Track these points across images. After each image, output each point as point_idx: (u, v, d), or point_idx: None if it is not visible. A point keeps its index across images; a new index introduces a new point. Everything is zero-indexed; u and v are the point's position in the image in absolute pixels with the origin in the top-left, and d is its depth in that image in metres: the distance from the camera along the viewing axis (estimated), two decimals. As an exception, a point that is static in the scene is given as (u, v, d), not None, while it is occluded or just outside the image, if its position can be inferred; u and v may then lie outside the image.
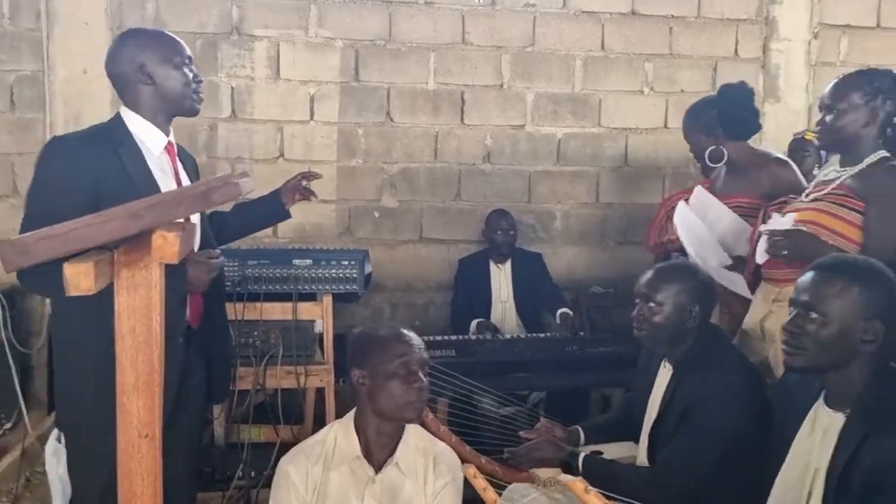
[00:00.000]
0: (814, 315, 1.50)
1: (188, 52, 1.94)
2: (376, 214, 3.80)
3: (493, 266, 3.57)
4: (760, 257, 2.06)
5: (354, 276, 2.74)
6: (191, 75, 1.91)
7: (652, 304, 1.93)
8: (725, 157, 2.61)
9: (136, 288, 1.16)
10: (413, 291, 3.85)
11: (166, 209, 1.04)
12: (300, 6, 3.66)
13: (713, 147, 2.63)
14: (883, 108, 1.99)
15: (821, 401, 1.60)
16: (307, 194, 2.35)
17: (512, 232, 3.55)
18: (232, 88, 3.66)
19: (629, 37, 3.96)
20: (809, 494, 1.56)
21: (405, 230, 3.83)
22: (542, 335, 3.28)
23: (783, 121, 4.01)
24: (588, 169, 4.01)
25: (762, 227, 2.07)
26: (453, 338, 3.15)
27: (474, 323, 3.36)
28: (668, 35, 4.00)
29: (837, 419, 1.54)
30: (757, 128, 2.74)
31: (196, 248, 1.91)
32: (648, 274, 1.99)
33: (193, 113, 1.96)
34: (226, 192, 1.06)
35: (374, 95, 3.77)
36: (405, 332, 1.67)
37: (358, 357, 1.67)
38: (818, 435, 1.58)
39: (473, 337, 3.23)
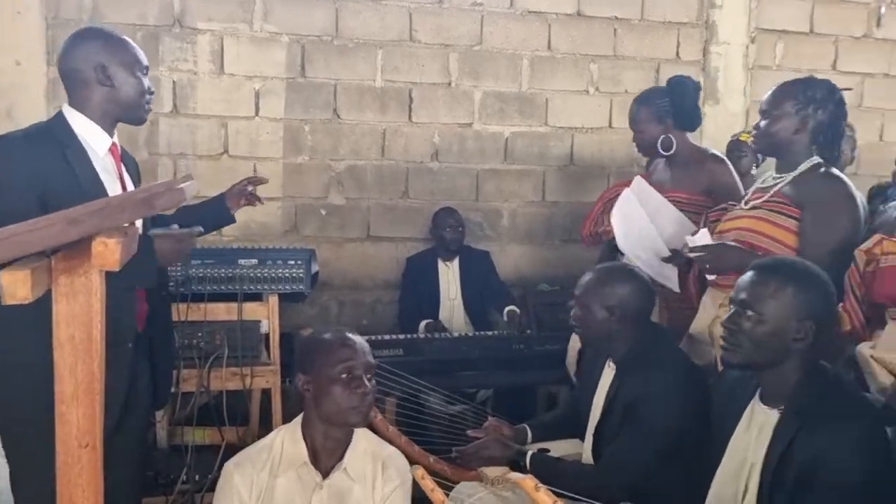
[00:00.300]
0: (750, 313, 1.56)
1: (147, 62, 1.95)
2: (323, 212, 3.77)
3: (440, 264, 3.58)
4: (672, 284, 2.15)
5: (301, 275, 2.72)
6: (146, 85, 1.91)
7: (580, 308, 2.00)
8: (675, 147, 2.67)
9: (76, 295, 1.13)
10: (361, 289, 3.83)
11: (108, 215, 1.01)
12: (244, 0, 3.59)
13: (665, 135, 2.68)
14: (814, 117, 2.07)
15: (757, 398, 1.66)
16: (252, 199, 2.33)
17: (460, 229, 3.57)
18: (174, 82, 3.57)
19: (575, 37, 4.01)
20: (746, 488, 1.62)
21: (352, 228, 3.81)
22: (489, 333, 3.31)
23: (722, 122, 4.12)
24: (535, 167, 4.05)
25: (687, 240, 2.13)
26: (401, 337, 3.16)
27: (423, 324, 3.37)
28: (612, 36, 4.07)
29: (772, 416, 1.60)
30: (701, 121, 2.83)
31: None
32: (586, 276, 2.04)
33: (141, 122, 1.97)
34: (169, 199, 1.04)
35: (321, 92, 3.73)
36: (350, 336, 1.66)
37: (303, 362, 1.65)
38: (754, 431, 1.64)
39: (422, 336, 3.23)
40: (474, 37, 3.89)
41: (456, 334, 3.28)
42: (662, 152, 2.70)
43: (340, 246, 3.81)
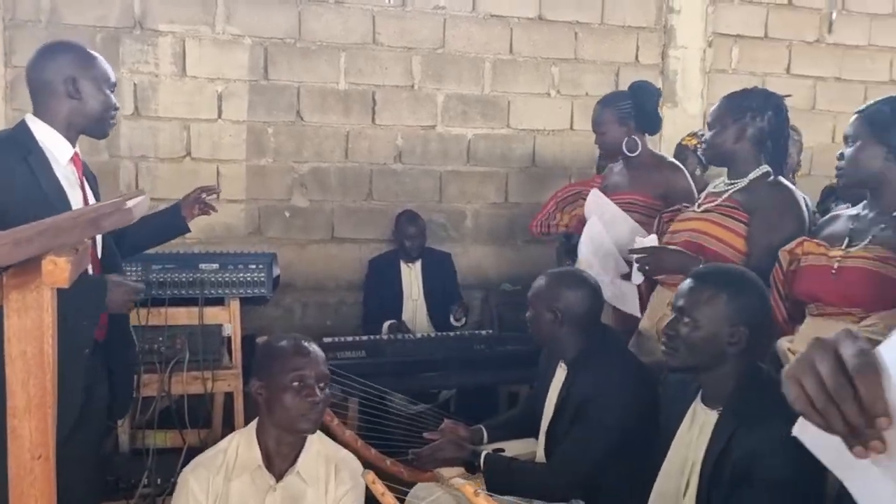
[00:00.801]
0: (686, 320, 1.63)
1: (115, 79, 2.02)
2: (287, 214, 3.79)
3: (403, 265, 3.63)
4: (636, 278, 2.22)
5: (262, 279, 2.74)
6: (113, 101, 1.97)
7: (532, 311, 2.06)
8: (640, 148, 2.75)
9: (27, 310, 1.15)
10: (324, 291, 3.86)
11: (55, 235, 1.04)
12: (206, 2, 3.59)
13: (630, 137, 2.75)
14: (752, 125, 2.16)
15: (698, 399, 1.73)
16: (207, 208, 2.36)
17: (420, 237, 3.60)
18: (135, 85, 3.56)
19: (536, 41, 4.07)
20: (687, 485, 1.69)
21: (316, 230, 3.84)
22: (451, 334, 3.35)
23: (680, 124, 4.21)
24: (497, 169, 4.11)
25: (636, 241, 2.22)
26: (364, 338, 3.19)
27: (386, 324, 3.41)
28: (573, 40, 4.13)
29: (712, 416, 1.67)
30: (661, 126, 2.91)
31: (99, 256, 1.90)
32: (538, 281, 2.11)
33: (104, 136, 2.04)
34: (117, 219, 1.07)
35: (284, 94, 3.75)
36: (305, 345, 1.70)
37: (258, 368, 1.69)
38: (696, 430, 1.71)
39: (385, 337, 3.27)
40: (437, 40, 3.93)
41: (418, 335, 3.32)
42: (627, 153, 2.77)
43: (304, 247, 3.83)
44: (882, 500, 0.59)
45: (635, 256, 2.17)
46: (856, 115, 1.88)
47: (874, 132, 1.82)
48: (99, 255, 1.92)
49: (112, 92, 1.98)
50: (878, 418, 0.56)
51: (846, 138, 1.89)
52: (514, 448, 2.24)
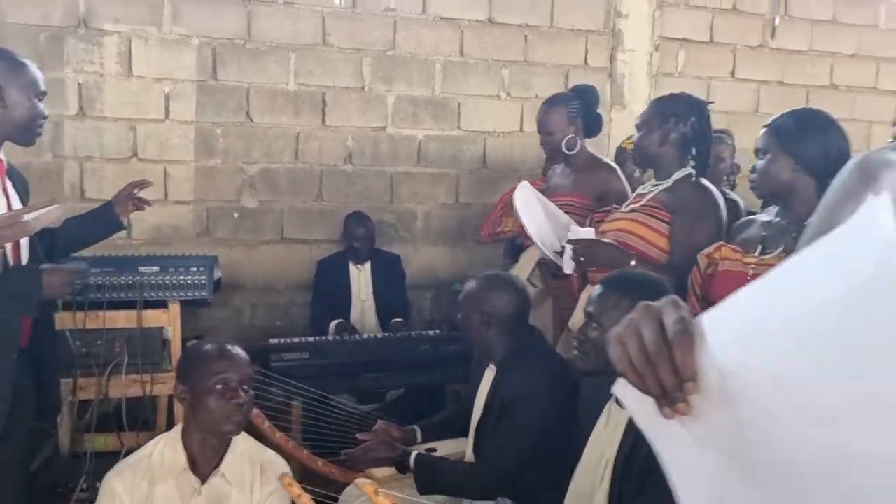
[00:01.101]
0: (594, 324, 1.68)
1: (45, 88, 2.01)
2: (236, 215, 3.79)
3: (352, 267, 3.64)
4: (567, 267, 2.27)
5: (203, 282, 2.74)
6: (40, 109, 1.96)
7: (462, 314, 2.13)
8: (578, 147, 2.81)
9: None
10: (274, 292, 3.87)
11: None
12: (153, 2, 3.57)
13: (570, 136, 2.82)
14: (675, 129, 2.23)
15: (613, 399, 1.79)
16: (140, 204, 2.36)
17: (369, 238, 3.62)
18: (79, 84, 3.53)
19: (487, 43, 4.12)
20: (602, 480, 1.75)
21: (266, 231, 3.84)
22: (398, 335, 3.38)
23: (628, 127, 4.25)
24: (448, 170, 4.14)
25: (571, 230, 2.28)
26: (309, 339, 3.21)
27: (333, 324, 3.43)
28: (523, 43, 4.19)
29: (624, 415, 1.73)
30: (601, 128, 2.98)
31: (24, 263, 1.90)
32: (468, 284, 2.16)
33: (30, 144, 2.02)
34: (12, 233, 1.08)
35: (233, 95, 3.74)
36: (229, 348, 1.72)
37: (182, 371, 1.71)
38: (610, 429, 1.76)
39: (331, 338, 3.29)
40: (387, 42, 3.95)
41: (365, 336, 3.35)
42: (566, 151, 2.83)
43: (254, 248, 3.83)
44: (684, 462, 0.64)
45: (570, 246, 2.21)
46: (764, 129, 1.95)
47: (782, 144, 1.89)
48: (24, 259, 1.90)
49: (41, 100, 1.97)
50: (686, 383, 0.61)
51: (756, 151, 1.96)
52: (447, 448, 2.28)
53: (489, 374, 2.17)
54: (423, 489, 2.02)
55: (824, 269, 0.56)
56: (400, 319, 3.46)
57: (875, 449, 0.50)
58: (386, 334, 3.38)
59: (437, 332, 3.46)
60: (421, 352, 3.24)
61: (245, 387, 1.69)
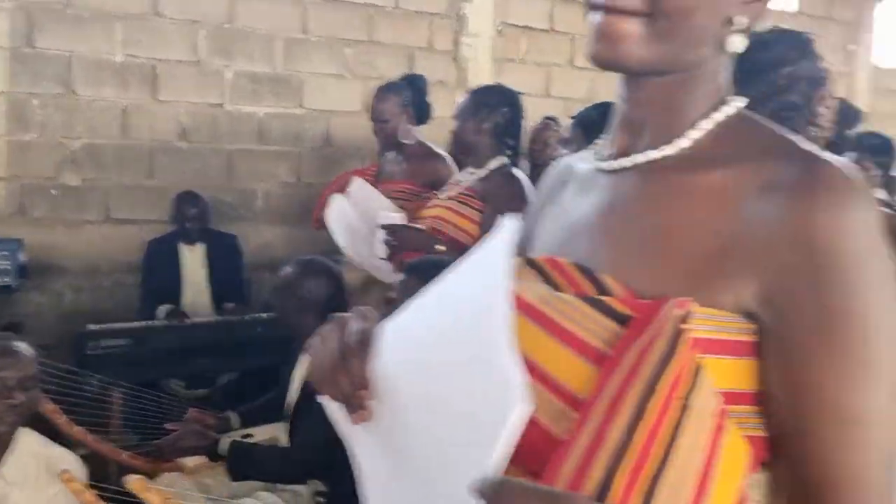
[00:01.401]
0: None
1: None
2: (54, 193, 3.55)
3: (183, 247, 3.51)
4: (379, 251, 2.32)
5: (7, 267, 2.57)
6: None
7: (279, 298, 2.13)
8: (410, 135, 2.85)
9: None
10: (100, 274, 3.66)
11: None
12: (-47, -42, 3.26)
13: (405, 126, 2.85)
14: (488, 120, 2.31)
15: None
16: None
17: (201, 218, 3.50)
18: None
19: (330, 22, 4.06)
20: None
21: (90, 210, 3.62)
22: (232, 318, 3.31)
23: (472, 110, 4.39)
24: (290, 149, 4.08)
25: (379, 221, 2.33)
26: (134, 325, 3.08)
27: (162, 308, 3.30)
28: (367, 22, 4.17)
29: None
30: (431, 116, 3.03)
31: None
32: (284, 269, 2.15)
33: None
34: None
35: (52, 64, 3.49)
36: (10, 346, 1.63)
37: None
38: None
39: (157, 323, 3.18)
40: (224, 15, 3.81)
41: (197, 319, 3.25)
42: (403, 140, 2.86)
43: (76, 229, 3.61)
44: (373, 463, 0.68)
45: (382, 233, 2.26)
46: (571, 121, 2.06)
47: (586, 135, 2.01)
48: None
49: None
50: (358, 391, 0.64)
51: (565, 142, 2.08)
52: (265, 433, 2.27)
53: (305, 357, 2.18)
54: (236, 476, 2.00)
55: (459, 285, 0.61)
56: (232, 305, 3.38)
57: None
58: (217, 318, 3.30)
59: (273, 314, 3.41)
60: (257, 334, 3.19)
61: (25, 386, 1.60)
